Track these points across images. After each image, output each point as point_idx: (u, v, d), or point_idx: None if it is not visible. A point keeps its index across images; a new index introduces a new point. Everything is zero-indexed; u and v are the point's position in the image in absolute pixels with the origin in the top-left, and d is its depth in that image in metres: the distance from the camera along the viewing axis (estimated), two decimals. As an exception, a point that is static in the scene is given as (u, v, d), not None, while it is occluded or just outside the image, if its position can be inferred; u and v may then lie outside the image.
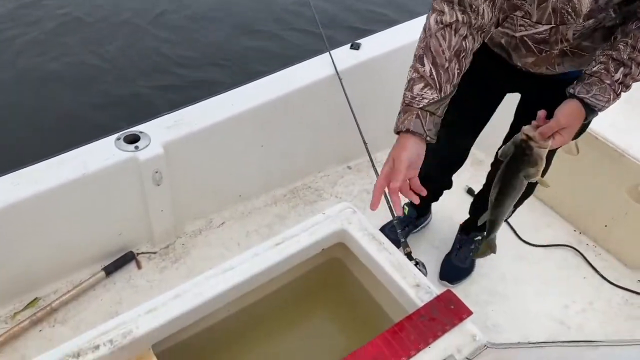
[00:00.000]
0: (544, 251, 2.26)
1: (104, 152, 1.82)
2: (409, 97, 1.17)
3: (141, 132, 1.88)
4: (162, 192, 1.95)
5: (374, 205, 1.19)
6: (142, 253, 2.08)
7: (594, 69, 1.19)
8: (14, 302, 1.89)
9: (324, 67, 2.16)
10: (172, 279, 2.01)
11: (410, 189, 1.20)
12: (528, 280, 2.14)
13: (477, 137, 1.82)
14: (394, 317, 1.50)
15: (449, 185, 2.05)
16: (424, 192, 1.20)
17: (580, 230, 2.34)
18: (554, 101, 1.23)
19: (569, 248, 2.27)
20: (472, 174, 2.48)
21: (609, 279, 2.16)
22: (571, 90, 1.21)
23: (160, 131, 1.90)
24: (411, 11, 4.03)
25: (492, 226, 1.43)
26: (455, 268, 2.10)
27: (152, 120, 1.94)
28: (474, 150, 1.93)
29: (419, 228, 2.24)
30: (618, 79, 1.17)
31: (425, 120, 1.15)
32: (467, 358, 1.28)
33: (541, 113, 1.19)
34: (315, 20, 2.25)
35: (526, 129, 1.19)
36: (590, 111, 1.20)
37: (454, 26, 1.15)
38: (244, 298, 1.43)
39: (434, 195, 2.10)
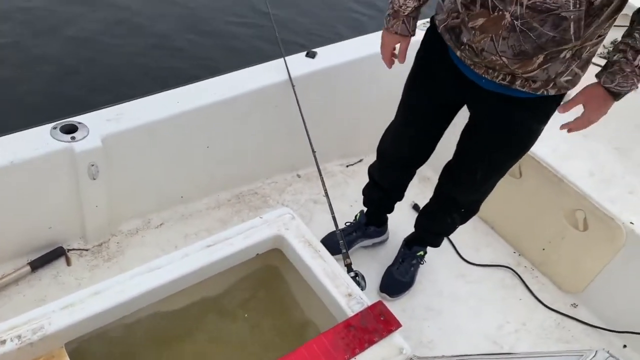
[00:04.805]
0: (482, 270, 2.28)
1: (37, 140, 1.74)
2: (397, 5, 1.54)
3: (80, 123, 1.81)
4: (98, 187, 1.87)
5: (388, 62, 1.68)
6: (73, 249, 1.99)
7: (614, 58, 1.36)
8: None
9: (277, 72, 2.14)
10: (103, 279, 1.90)
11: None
12: (465, 298, 2.16)
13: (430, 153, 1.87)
14: (325, 326, 1.47)
15: (399, 197, 2.09)
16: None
17: (519, 252, 2.38)
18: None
19: (507, 269, 2.30)
20: (419, 190, 2.50)
21: (543, 301, 2.20)
22: (597, 79, 1.41)
23: (100, 123, 1.83)
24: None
25: None
26: (395, 281, 2.09)
27: (93, 112, 1.86)
28: (422, 167, 1.95)
29: (374, 243, 2.24)
30: (637, 65, 1.32)
31: (409, 24, 1.57)
32: (392, 371, 1.27)
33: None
34: (272, 24, 2.22)
35: None
36: (616, 95, 1.40)
37: None
38: (171, 300, 1.38)
39: (385, 207, 2.14)
